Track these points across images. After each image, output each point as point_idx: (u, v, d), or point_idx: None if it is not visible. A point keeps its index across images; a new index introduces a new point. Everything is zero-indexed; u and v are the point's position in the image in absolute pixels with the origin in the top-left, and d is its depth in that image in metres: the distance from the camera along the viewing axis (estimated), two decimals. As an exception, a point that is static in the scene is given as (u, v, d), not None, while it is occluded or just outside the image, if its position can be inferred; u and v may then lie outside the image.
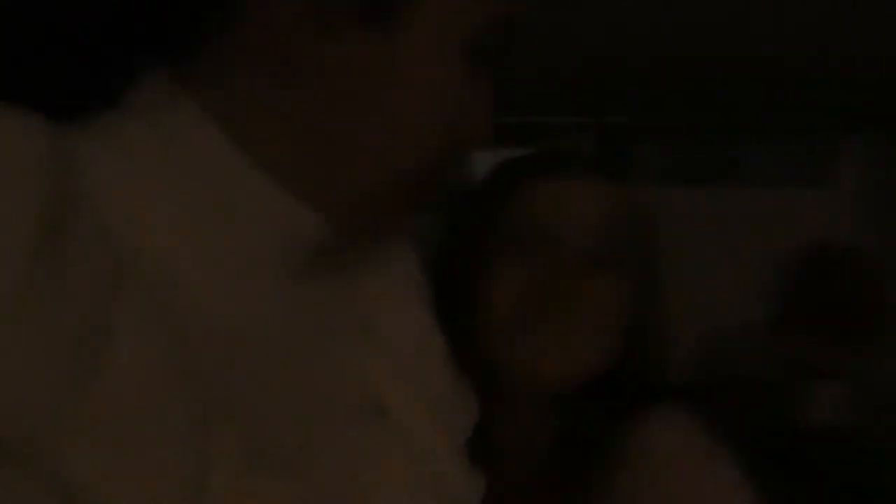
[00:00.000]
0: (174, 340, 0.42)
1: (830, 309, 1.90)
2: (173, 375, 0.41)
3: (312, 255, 0.51)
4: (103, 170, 0.43)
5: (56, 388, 0.37)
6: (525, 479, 0.80)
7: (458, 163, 0.52)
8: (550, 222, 0.81)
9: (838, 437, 1.69)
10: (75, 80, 0.45)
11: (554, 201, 0.82)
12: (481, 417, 0.70)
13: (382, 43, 0.46)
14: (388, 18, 0.46)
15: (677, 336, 0.90)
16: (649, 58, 2.80)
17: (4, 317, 0.35)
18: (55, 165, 0.39)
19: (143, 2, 0.45)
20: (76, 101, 0.45)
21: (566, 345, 0.78)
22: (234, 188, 0.46)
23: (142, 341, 0.40)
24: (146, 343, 0.40)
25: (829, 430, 1.73)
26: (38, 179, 0.38)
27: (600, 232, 0.81)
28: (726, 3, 2.33)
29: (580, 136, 3.69)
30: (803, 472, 1.48)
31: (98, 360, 0.38)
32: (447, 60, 0.48)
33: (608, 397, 0.82)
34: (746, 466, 0.77)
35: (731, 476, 0.77)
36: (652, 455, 0.77)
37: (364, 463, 0.50)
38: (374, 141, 0.48)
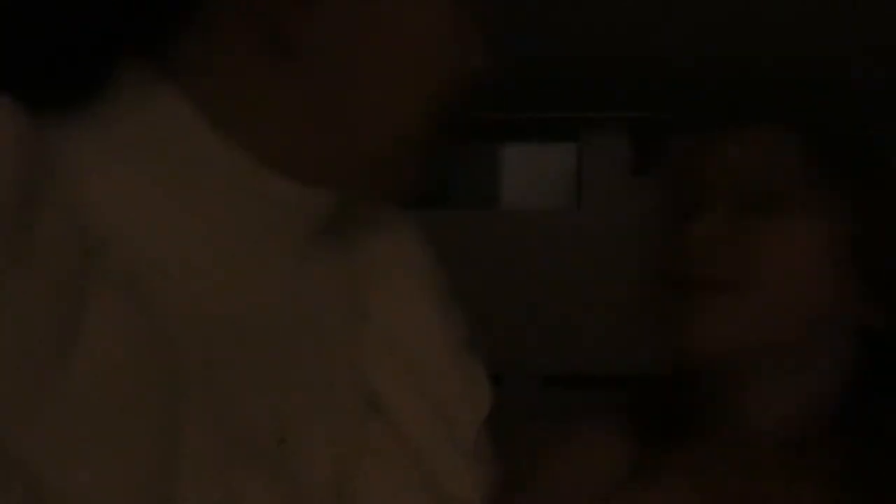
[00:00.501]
0: (148, 328, 0.41)
1: None
2: (146, 365, 0.40)
3: (304, 234, 0.49)
4: (78, 155, 0.43)
5: (25, 382, 0.35)
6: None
7: (461, 97, 0.50)
8: (696, 183, 0.76)
9: None
10: (54, 68, 0.44)
11: (706, 160, 0.77)
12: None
13: (370, 1, 0.45)
14: None
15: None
16: (685, 55, 2.84)
17: None
18: (33, 153, 0.38)
19: None
20: (54, 90, 0.44)
21: (709, 313, 0.71)
22: (212, 169, 0.45)
23: (113, 330, 0.39)
24: (118, 332, 0.39)
25: None
26: (10, 164, 0.37)
27: (756, 178, 0.74)
28: (761, 2, 2.38)
29: (617, 131, 3.73)
30: None
31: (68, 350, 0.37)
32: (439, 3, 0.47)
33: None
34: None
35: None
36: None
37: (352, 459, 0.48)
38: (375, 100, 0.46)
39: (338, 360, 0.51)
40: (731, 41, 2.70)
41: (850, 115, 0.92)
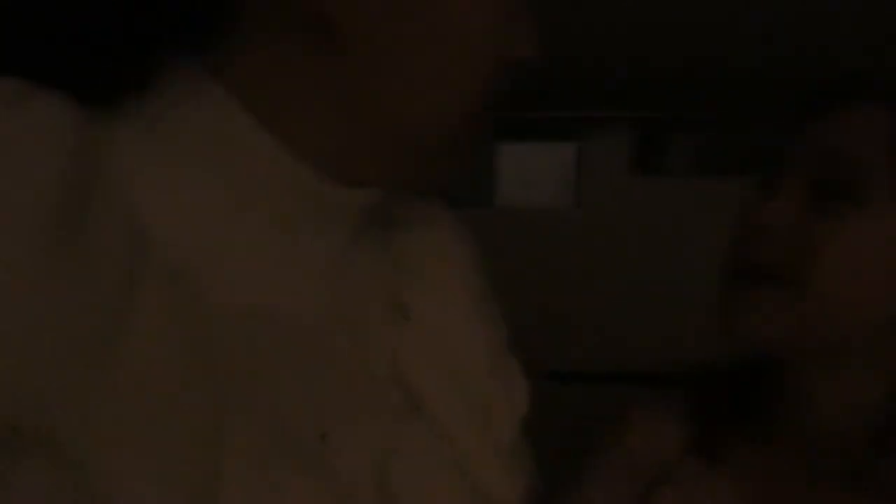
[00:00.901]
0: (193, 324, 0.41)
1: None
2: (191, 362, 0.40)
3: (346, 231, 0.49)
4: (128, 153, 0.43)
5: (75, 375, 0.36)
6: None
7: (507, 88, 0.49)
8: (774, 171, 0.72)
9: None
10: (103, 63, 0.44)
11: (789, 148, 0.73)
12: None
13: None
14: None
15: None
16: (684, 55, 2.85)
17: (23, 298, 0.34)
18: (80, 146, 0.38)
19: None
20: (102, 85, 0.44)
21: (767, 307, 0.68)
22: (258, 167, 0.45)
23: (160, 326, 0.39)
24: (164, 328, 0.39)
25: None
26: (62, 159, 0.37)
27: (827, 165, 0.70)
28: (756, 4, 2.39)
29: (616, 131, 3.74)
30: None
31: (116, 345, 0.37)
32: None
33: None
34: None
35: None
36: None
37: (395, 462, 0.48)
38: (420, 89, 0.46)
39: (378, 357, 0.50)
40: (728, 41, 2.71)
41: None
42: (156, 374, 0.38)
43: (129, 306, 0.38)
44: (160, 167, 0.44)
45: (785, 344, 0.68)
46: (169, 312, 0.40)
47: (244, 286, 0.45)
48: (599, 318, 3.64)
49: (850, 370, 0.70)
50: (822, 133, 0.71)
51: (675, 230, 3.56)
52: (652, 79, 3.14)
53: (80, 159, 0.38)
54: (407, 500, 0.48)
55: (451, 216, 0.59)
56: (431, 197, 0.57)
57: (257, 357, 0.44)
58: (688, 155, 3.78)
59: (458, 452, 0.51)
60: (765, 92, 2.90)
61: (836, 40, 2.64)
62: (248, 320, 0.44)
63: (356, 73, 0.44)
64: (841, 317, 0.68)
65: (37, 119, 0.37)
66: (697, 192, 3.55)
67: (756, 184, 0.74)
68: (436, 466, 0.50)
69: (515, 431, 0.57)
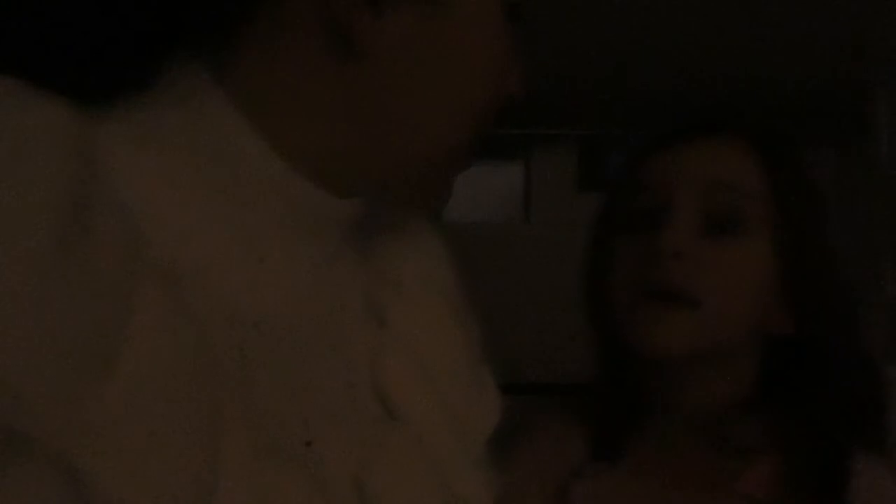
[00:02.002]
0: (188, 332, 0.41)
1: None
2: (188, 366, 0.40)
3: (333, 240, 0.50)
4: (127, 156, 0.43)
5: (74, 382, 0.35)
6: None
7: (495, 115, 0.51)
8: (661, 195, 0.79)
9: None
10: (103, 63, 0.44)
11: (667, 172, 0.80)
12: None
13: (436, 17, 0.45)
14: None
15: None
16: (635, 72, 2.91)
17: (24, 305, 0.34)
18: (80, 147, 0.38)
19: None
20: (103, 85, 0.44)
21: (676, 324, 0.77)
22: (253, 176, 0.45)
23: (158, 330, 0.39)
24: (162, 332, 0.39)
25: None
26: (63, 160, 0.37)
27: (713, 195, 0.78)
28: (698, 22, 2.46)
29: (561, 148, 3.79)
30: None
31: (114, 352, 0.37)
32: (496, 22, 0.48)
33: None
34: None
35: None
36: None
37: (374, 469, 0.49)
38: (432, 111, 0.47)
39: (357, 364, 0.51)
40: (680, 59, 2.77)
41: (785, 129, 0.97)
42: (153, 380, 0.38)
43: (127, 312, 0.38)
44: (155, 169, 0.44)
45: (685, 353, 0.77)
46: (166, 315, 0.40)
47: (232, 290, 0.45)
48: (546, 330, 3.69)
49: (724, 368, 0.80)
50: (703, 163, 0.80)
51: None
52: (600, 97, 3.19)
53: (78, 161, 0.37)
54: (386, 503, 0.48)
55: (429, 225, 0.59)
56: (418, 212, 0.58)
57: (245, 364, 0.44)
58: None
59: (436, 459, 0.52)
60: (715, 110, 2.98)
61: (773, 61, 2.73)
62: (235, 327, 0.45)
63: (368, 88, 0.45)
64: (727, 329, 0.79)
65: (34, 120, 0.37)
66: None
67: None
68: (414, 473, 0.51)
69: (487, 440, 0.58)
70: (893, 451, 0.87)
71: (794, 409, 0.81)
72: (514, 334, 3.66)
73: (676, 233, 0.78)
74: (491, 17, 0.48)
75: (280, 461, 0.43)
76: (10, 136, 0.36)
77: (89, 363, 0.36)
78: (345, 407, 0.49)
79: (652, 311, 0.77)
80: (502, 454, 0.80)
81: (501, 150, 3.78)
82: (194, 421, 0.40)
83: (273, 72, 0.44)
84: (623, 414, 0.84)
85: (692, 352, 0.77)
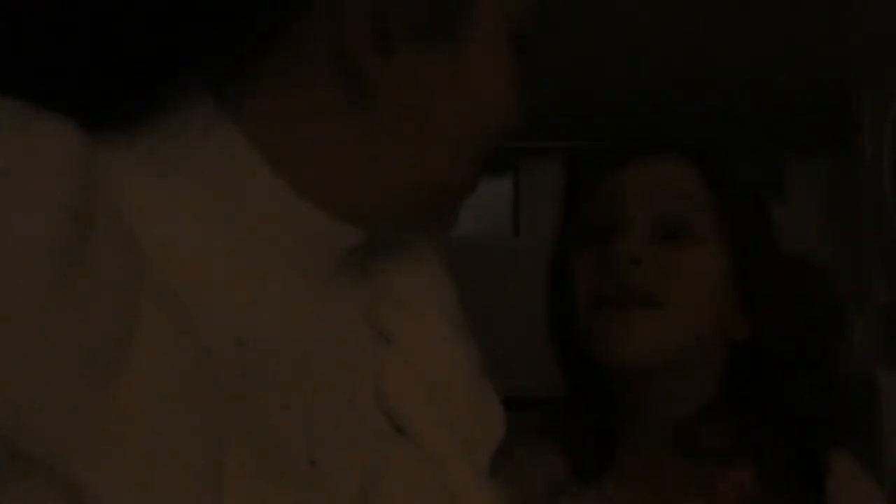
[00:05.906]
0: (193, 349, 0.41)
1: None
2: (192, 385, 0.40)
3: (335, 262, 0.50)
4: (132, 180, 0.43)
5: (78, 403, 0.35)
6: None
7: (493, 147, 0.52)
8: (614, 208, 0.83)
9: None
10: (111, 86, 0.44)
11: (617, 187, 0.84)
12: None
13: (446, 54, 0.46)
14: (451, 30, 0.46)
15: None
16: (622, 85, 2.92)
17: (29, 319, 0.34)
18: (83, 172, 0.38)
19: (192, 15, 0.43)
20: (109, 108, 0.44)
21: (639, 327, 0.79)
22: (257, 204, 0.46)
23: (161, 349, 0.39)
24: (166, 352, 0.39)
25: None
26: (67, 186, 0.36)
27: (663, 205, 0.82)
28: (686, 38, 2.47)
29: (549, 161, 3.79)
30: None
31: (117, 372, 0.37)
32: (504, 60, 0.49)
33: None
34: None
35: None
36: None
37: (382, 486, 0.49)
38: (441, 149, 0.48)
39: (360, 382, 0.52)
40: (668, 74, 2.79)
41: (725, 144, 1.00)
42: (155, 399, 0.38)
43: (130, 334, 0.38)
44: (159, 194, 0.44)
45: (648, 358, 0.80)
46: (166, 339, 0.40)
47: (234, 314, 0.46)
48: (536, 343, 3.68)
49: (689, 374, 0.83)
50: (652, 177, 0.84)
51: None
52: (589, 110, 3.20)
53: (83, 186, 0.37)
54: None
55: (428, 244, 0.60)
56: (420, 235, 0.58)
57: (248, 385, 0.45)
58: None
59: (443, 475, 0.52)
60: (697, 125, 3.00)
61: (756, 71, 2.74)
62: (238, 349, 0.45)
63: (378, 123, 0.46)
64: (687, 331, 0.81)
65: (39, 143, 0.37)
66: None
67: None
68: (422, 489, 0.51)
69: (492, 455, 0.58)
70: (885, 451, 0.90)
71: (756, 413, 0.83)
72: (504, 348, 3.66)
73: (634, 239, 0.80)
74: (499, 53, 0.48)
75: (284, 481, 0.44)
76: (16, 157, 0.36)
77: (92, 380, 0.36)
78: (349, 425, 0.50)
79: (614, 315, 0.79)
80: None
81: (490, 163, 3.77)
82: (197, 439, 0.40)
83: (283, 104, 0.45)
84: (598, 427, 0.86)
85: (656, 356, 0.80)
